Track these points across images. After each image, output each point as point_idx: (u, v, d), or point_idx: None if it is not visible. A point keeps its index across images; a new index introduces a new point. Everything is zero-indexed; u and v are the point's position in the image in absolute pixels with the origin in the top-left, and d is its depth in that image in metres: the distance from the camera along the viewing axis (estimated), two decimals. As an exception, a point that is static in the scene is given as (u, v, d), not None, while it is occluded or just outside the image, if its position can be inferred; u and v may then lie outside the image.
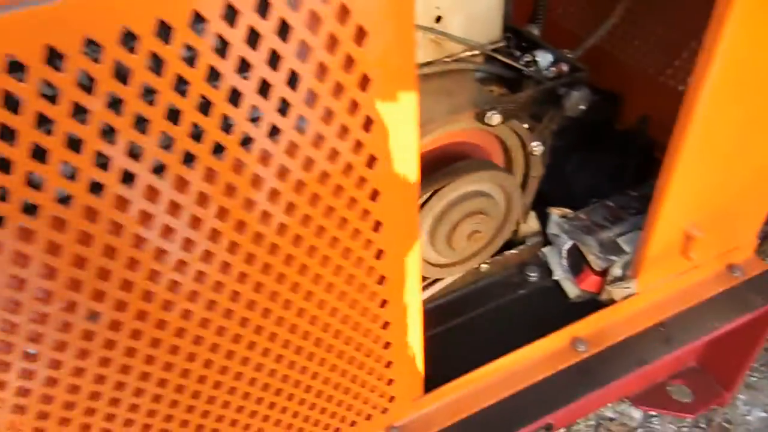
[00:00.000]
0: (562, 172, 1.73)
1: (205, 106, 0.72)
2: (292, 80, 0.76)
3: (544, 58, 1.41)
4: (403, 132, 0.89)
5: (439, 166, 1.31)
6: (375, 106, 0.84)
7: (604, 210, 1.57)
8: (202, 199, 0.79)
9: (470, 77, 1.37)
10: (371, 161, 0.89)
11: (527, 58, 1.41)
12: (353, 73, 0.79)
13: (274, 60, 0.73)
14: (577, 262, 1.52)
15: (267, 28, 0.69)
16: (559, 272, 1.58)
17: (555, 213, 1.58)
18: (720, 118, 1.17)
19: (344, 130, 0.84)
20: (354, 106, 0.82)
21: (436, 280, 1.50)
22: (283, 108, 0.78)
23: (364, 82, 0.81)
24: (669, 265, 1.46)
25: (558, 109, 1.32)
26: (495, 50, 1.40)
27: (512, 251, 1.59)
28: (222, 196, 0.80)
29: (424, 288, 1.48)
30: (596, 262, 1.46)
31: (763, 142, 1.29)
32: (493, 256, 1.55)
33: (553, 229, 1.58)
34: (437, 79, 1.36)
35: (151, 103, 0.68)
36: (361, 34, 0.76)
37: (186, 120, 0.71)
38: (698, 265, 1.52)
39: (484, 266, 1.55)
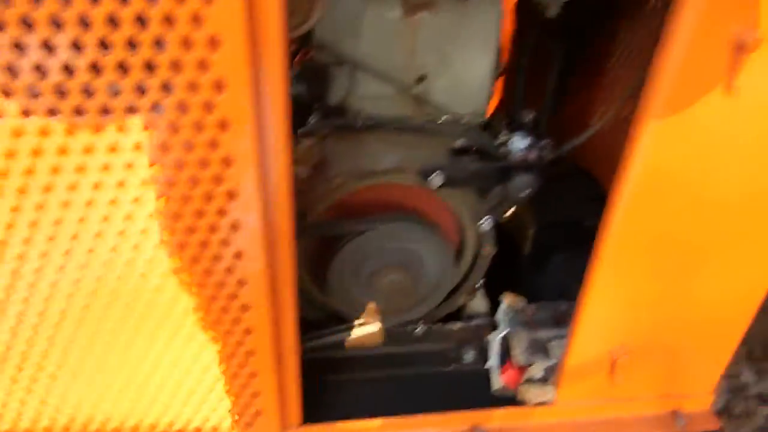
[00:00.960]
0: (544, 266, 1.69)
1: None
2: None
3: (519, 142, 1.42)
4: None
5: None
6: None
7: (555, 310, 1.51)
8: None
9: (439, 141, 1.40)
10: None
11: (504, 138, 1.43)
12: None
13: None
14: (505, 354, 1.47)
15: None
16: (493, 360, 1.53)
17: (506, 300, 1.54)
18: (635, 236, 1.12)
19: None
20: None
21: (355, 326, 1.51)
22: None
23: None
24: (596, 385, 1.38)
25: (504, 190, 1.32)
26: (471, 123, 1.42)
27: (450, 325, 1.56)
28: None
29: (344, 330, 1.50)
30: (519, 357, 1.41)
31: (701, 276, 1.21)
32: (429, 324, 1.54)
33: (500, 314, 1.55)
34: (406, 134, 1.40)
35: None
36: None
37: None
38: (635, 397, 1.42)
39: (417, 331, 1.54)
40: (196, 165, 0.93)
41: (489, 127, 1.48)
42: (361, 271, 1.35)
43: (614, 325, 1.25)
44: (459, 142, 1.43)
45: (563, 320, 1.48)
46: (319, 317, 1.51)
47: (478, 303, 1.56)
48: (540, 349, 1.41)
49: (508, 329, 1.48)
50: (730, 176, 1.09)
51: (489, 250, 1.46)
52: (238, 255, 1.05)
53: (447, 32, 1.32)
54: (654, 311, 1.26)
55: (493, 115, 1.53)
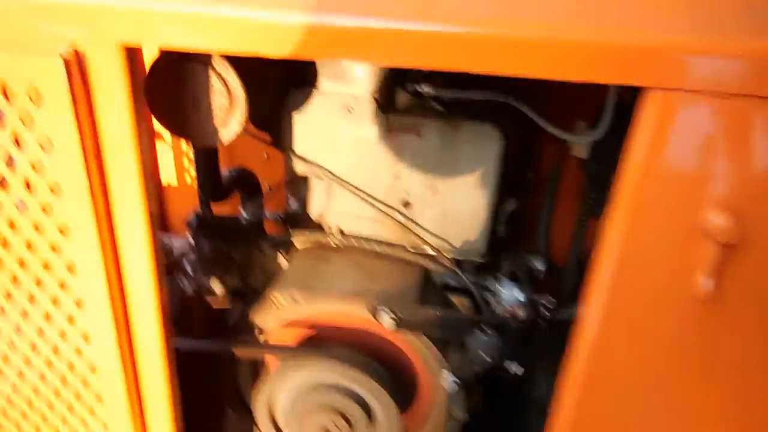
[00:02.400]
0: None
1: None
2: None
3: (509, 294, 1.22)
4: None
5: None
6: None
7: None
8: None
9: (415, 276, 1.24)
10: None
11: (491, 285, 1.24)
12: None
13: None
14: None
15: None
16: None
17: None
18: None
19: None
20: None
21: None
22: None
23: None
24: None
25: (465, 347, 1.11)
26: (460, 263, 1.25)
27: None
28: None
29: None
30: None
31: None
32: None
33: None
34: (380, 260, 1.26)
35: None
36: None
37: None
38: None
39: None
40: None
41: (490, 270, 1.30)
42: (289, 405, 1.20)
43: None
44: (439, 279, 1.27)
45: None
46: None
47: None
48: None
49: None
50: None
51: (458, 414, 1.23)
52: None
53: (435, 159, 1.19)
54: None
55: (502, 258, 1.34)
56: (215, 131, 0.94)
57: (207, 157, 1.19)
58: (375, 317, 1.13)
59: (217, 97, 0.91)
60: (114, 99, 0.78)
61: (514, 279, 1.27)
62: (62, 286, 0.89)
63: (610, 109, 0.94)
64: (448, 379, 1.15)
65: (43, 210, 0.86)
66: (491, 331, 1.08)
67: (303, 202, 1.31)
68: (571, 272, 1.34)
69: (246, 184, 1.34)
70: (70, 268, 0.87)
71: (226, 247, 1.20)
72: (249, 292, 1.29)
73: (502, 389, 1.47)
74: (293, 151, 1.22)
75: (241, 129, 0.95)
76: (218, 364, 1.28)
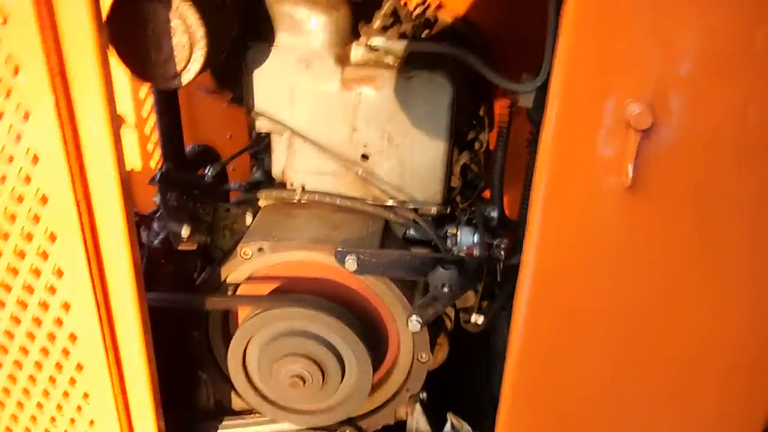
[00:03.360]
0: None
1: None
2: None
3: (465, 237, 1.27)
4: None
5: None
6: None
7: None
8: None
9: (376, 226, 1.28)
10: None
11: (452, 230, 1.29)
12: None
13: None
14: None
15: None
16: (423, 489, 1.30)
17: (451, 419, 1.33)
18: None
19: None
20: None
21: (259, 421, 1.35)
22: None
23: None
24: None
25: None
26: (418, 213, 1.30)
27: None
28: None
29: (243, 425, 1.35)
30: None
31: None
32: (358, 435, 1.36)
33: (442, 436, 1.32)
34: (342, 213, 1.30)
35: None
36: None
37: None
38: None
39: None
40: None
41: (447, 220, 1.35)
42: (261, 356, 1.22)
43: None
44: (399, 230, 1.32)
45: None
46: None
47: (419, 420, 1.35)
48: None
49: (441, 454, 1.26)
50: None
51: (426, 357, 1.27)
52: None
53: (390, 110, 1.24)
54: None
55: (458, 208, 1.40)
56: (177, 72, 0.98)
57: (169, 112, 1.23)
58: (339, 261, 1.16)
59: (178, 37, 0.95)
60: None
61: (469, 224, 1.32)
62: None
63: (549, 58, 1.01)
64: (412, 320, 1.19)
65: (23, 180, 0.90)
66: (451, 265, 1.13)
67: (266, 173, 1.34)
68: (523, 220, 1.40)
69: (209, 158, 1.38)
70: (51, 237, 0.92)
71: (191, 202, 1.23)
72: (217, 252, 1.32)
73: (470, 343, 1.52)
74: (253, 107, 1.26)
75: (202, 69, 0.98)
76: (188, 327, 1.30)
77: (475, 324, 1.42)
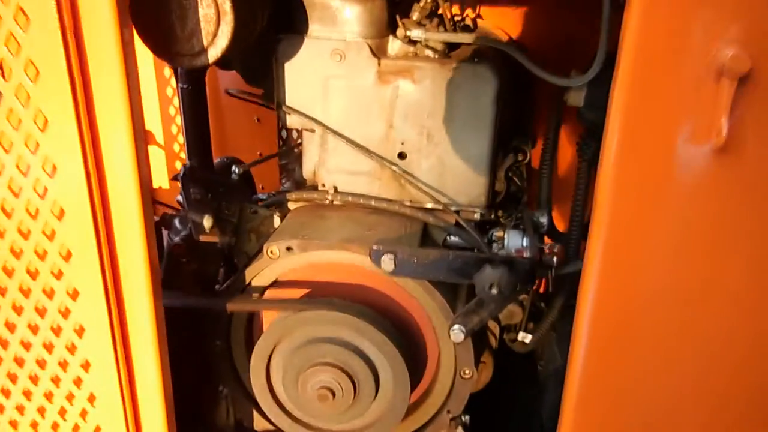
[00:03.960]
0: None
1: None
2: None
3: (514, 240, 1.17)
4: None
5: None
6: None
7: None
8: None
9: (414, 228, 1.19)
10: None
11: (498, 234, 1.18)
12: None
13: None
14: None
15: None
16: None
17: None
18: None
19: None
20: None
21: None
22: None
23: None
24: None
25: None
26: (460, 215, 1.20)
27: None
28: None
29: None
30: None
31: None
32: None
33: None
34: (377, 215, 1.21)
35: None
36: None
37: None
38: None
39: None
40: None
41: (494, 225, 1.25)
42: (287, 365, 1.11)
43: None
44: (439, 236, 1.22)
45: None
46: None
47: (461, 446, 1.22)
48: None
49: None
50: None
51: (469, 372, 1.15)
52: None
53: (429, 105, 1.16)
54: None
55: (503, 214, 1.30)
56: (203, 47, 0.92)
57: (195, 109, 1.17)
58: (375, 261, 1.07)
59: (204, 9, 0.89)
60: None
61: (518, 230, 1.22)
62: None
63: (602, 51, 0.93)
64: (455, 329, 1.08)
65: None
66: (500, 265, 1.02)
67: (296, 184, 1.27)
68: (575, 228, 1.29)
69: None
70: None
71: (216, 202, 1.15)
72: (242, 257, 1.24)
73: (514, 365, 1.40)
74: (284, 104, 1.19)
75: (229, 45, 0.92)
76: (208, 335, 1.21)
77: (522, 343, 1.30)
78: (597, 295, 0.81)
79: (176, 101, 1.84)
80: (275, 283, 1.15)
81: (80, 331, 0.95)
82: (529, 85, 1.47)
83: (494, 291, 1.01)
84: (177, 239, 1.08)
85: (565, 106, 1.24)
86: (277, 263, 1.12)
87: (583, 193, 1.28)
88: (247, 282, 1.14)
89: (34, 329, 0.95)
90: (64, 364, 0.98)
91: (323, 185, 1.24)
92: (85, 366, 0.98)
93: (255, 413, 1.25)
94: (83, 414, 1.02)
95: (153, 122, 1.87)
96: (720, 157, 0.69)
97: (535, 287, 1.55)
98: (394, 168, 1.20)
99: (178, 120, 1.85)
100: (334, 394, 1.08)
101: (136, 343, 0.97)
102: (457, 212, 1.21)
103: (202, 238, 1.07)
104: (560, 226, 1.37)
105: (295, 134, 1.40)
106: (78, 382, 0.99)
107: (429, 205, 1.22)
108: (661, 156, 0.72)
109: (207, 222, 1.04)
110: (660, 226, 0.75)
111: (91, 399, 1.01)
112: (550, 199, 1.34)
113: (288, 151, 1.29)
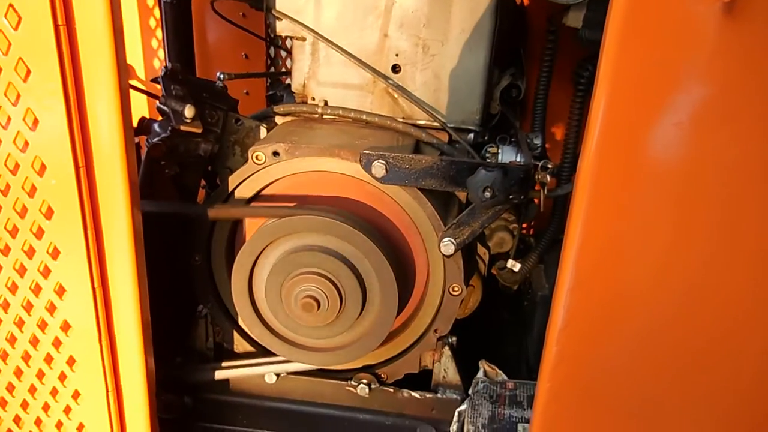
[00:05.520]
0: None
1: None
2: None
3: (507, 155, 1.13)
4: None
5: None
6: None
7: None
8: None
9: (406, 142, 1.14)
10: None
11: (492, 149, 1.15)
12: None
13: None
14: (460, 430, 1.07)
15: None
16: (451, 445, 1.12)
17: (484, 367, 1.16)
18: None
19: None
20: None
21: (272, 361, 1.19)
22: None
23: None
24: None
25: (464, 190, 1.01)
26: (458, 130, 1.16)
27: (406, 392, 1.19)
28: None
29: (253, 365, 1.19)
30: (469, 435, 1.00)
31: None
32: (380, 386, 1.19)
33: (474, 384, 1.15)
34: (369, 128, 1.17)
35: None
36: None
37: None
38: None
39: (362, 390, 1.18)
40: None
41: (486, 143, 1.21)
42: (271, 274, 1.06)
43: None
44: (431, 153, 1.18)
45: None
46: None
47: (447, 366, 1.18)
48: (504, 430, 0.99)
49: (472, 401, 1.09)
50: None
51: (458, 289, 1.11)
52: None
53: (426, 14, 1.12)
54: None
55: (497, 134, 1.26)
56: None
57: (177, 16, 1.11)
58: (365, 167, 1.02)
59: None
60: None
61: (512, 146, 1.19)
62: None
63: None
64: (445, 241, 1.04)
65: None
66: (494, 168, 0.98)
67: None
68: (569, 149, 1.26)
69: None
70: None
71: (199, 106, 1.09)
72: (225, 172, 1.18)
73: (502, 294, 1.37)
74: (274, 8, 1.14)
75: None
76: (187, 254, 1.15)
77: (511, 271, 1.27)
78: (586, 221, 0.77)
79: (159, 33, 1.77)
80: (259, 196, 1.10)
81: (55, 254, 0.91)
82: (522, 14, 1.43)
83: (488, 194, 0.97)
84: (156, 140, 1.01)
85: (563, 28, 1.21)
86: (262, 172, 1.07)
87: (577, 121, 1.25)
88: (230, 191, 1.09)
89: (11, 289, 0.92)
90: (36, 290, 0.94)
91: (313, 99, 1.19)
92: (59, 292, 0.93)
93: (236, 334, 1.20)
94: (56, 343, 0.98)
95: (134, 56, 1.80)
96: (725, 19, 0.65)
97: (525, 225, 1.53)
98: (388, 82, 1.15)
99: (161, 53, 1.78)
100: (319, 304, 1.04)
101: (113, 267, 0.92)
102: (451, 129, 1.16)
103: (183, 127, 1.01)
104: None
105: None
106: (51, 309, 0.94)
107: (422, 122, 1.18)
108: (655, 79, 0.69)
109: (189, 111, 0.98)
110: (651, 156, 0.73)
111: (65, 328, 0.96)
112: (544, 124, 1.31)
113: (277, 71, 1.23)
